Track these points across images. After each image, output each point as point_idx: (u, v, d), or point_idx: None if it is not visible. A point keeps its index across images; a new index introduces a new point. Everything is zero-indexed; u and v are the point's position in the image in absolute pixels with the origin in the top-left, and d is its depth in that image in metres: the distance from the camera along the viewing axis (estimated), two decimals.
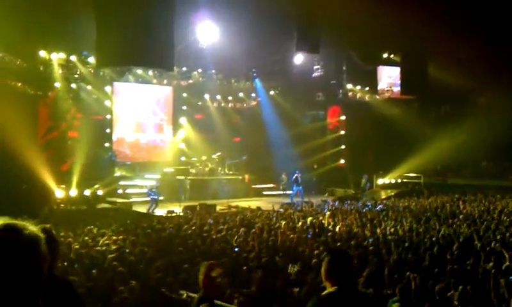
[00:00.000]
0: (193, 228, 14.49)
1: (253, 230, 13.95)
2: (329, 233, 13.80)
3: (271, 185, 29.22)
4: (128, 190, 24.90)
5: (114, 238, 12.79)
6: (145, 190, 22.98)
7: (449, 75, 29.87)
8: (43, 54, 23.36)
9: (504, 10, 25.07)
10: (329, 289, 3.52)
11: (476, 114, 32.14)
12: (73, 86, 25.24)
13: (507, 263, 9.98)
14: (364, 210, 20.14)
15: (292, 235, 13.01)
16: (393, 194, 27.81)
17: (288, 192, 27.20)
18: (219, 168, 28.48)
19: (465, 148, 30.06)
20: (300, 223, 15.85)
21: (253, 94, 31.98)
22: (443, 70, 29.14)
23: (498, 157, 31.51)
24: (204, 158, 28.06)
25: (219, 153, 28.64)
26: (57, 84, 24.32)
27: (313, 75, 30.77)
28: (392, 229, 14.66)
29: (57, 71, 24.18)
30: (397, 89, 32.76)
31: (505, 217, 17.20)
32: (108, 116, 26.73)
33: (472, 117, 31.05)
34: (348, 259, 3.78)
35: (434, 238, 13.10)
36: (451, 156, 30.25)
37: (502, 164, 31.17)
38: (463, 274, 9.34)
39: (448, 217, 17.43)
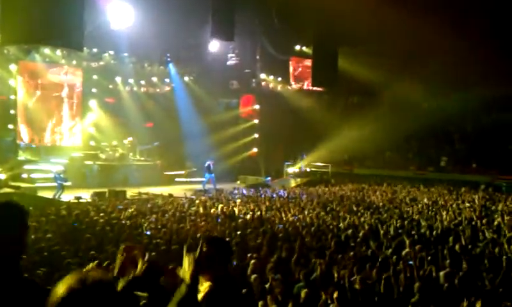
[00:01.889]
0: (101, 214, 14.16)
1: (165, 217, 13.89)
2: (240, 220, 14.00)
3: (183, 172, 29.07)
4: (33, 175, 23.79)
5: None
6: (51, 175, 22.08)
7: (358, 68, 31.06)
8: None
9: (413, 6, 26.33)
10: (206, 285, 3.29)
11: (382, 107, 33.61)
12: None
13: (407, 249, 10.60)
14: (274, 197, 20.56)
15: (202, 222, 13.08)
16: (302, 182, 28.53)
17: (193, 179, 27.24)
18: (131, 154, 27.95)
19: (371, 139, 31.41)
20: (212, 210, 15.94)
21: (167, 80, 31.55)
22: (353, 63, 30.26)
23: (402, 148, 33.19)
24: (115, 143, 27.40)
25: (130, 139, 28.09)
26: None
27: (228, 63, 30.79)
28: (301, 216, 15.10)
29: None
30: (308, 80, 33.58)
31: (405, 206, 18.23)
32: (12, 97, 25.29)
33: (378, 109, 32.44)
34: (226, 248, 3.59)
35: (339, 226, 13.66)
36: (358, 146, 31.50)
37: (405, 155, 32.85)
38: (366, 260, 9.81)
39: (353, 205, 18.18)
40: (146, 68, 30.07)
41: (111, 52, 27.39)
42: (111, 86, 29.65)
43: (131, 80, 29.98)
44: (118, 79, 29.41)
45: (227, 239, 11.02)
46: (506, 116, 32.26)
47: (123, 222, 12.86)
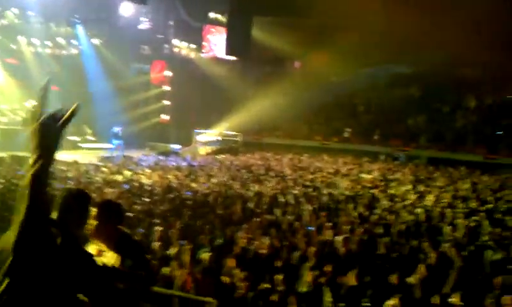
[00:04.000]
0: (1, 180, 13.62)
1: (69, 184, 13.58)
2: (148, 187, 13.98)
3: (91, 138, 28.21)
4: None
5: None
6: None
7: (272, 39, 31.45)
8: None
9: None
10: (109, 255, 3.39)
11: (293, 78, 34.32)
12: None
13: (309, 215, 11.13)
14: (183, 165, 20.61)
15: (109, 189, 12.93)
16: (212, 150, 28.69)
17: (100, 145, 26.58)
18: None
19: (281, 109, 32.03)
20: (119, 177, 15.76)
21: (75, 42, 30.25)
22: (266, 34, 30.58)
23: (310, 118, 34.11)
24: (16, 106, 26.11)
25: (34, 102, 26.86)
26: None
27: (140, 27, 30.03)
28: (209, 184, 15.31)
29: None
30: (222, 48, 33.59)
31: (309, 175, 18.94)
32: None
33: (289, 80, 33.09)
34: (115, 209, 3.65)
35: (247, 193, 14.01)
36: (268, 116, 31.96)
37: (312, 126, 33.80)
38: (271, 226, 10.20)
39: (261, 174, 18.62)
40: (52, 29, 28.59)
41: (15, 10, 25.81)
42: (13, 46, 28.02)
43: (36, 41, 28.46)
44: (22, 39, 27.83)
45: (130, 206, 11.04)
46: (407, 92, 34.12)
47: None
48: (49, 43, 28.97)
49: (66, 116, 2.20)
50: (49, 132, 2.17)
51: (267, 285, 7.10)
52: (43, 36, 28.38)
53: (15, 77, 27.26)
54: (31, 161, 2.13)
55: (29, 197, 2.13)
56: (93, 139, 27.70)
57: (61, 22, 28.33)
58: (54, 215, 2.71)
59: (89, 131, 27.47)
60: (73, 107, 2.26)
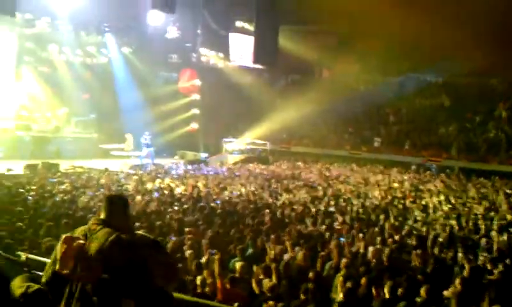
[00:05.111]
0: (34, 187, 13.78)
1: (100, 192, 13.69)
2: (178, 196, 14.00)
3: (121, 146, 28.41)
4: None
5: None
6: None
7: (299, 48, 31.39)
8: None
9: None
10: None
11: (320, 87, 34.14)
12: None
13: (340, 226, 10.99)
14: (212, 174, 20.64)
15: (139, 197, 12.98)
16: (240, 159, 28.66)
17: (134, 153, 26.71)
18: (65, 126, 27.12)
19: (309, 118, 31.90)
20: (149, 185, 15.83)
21: (105, 50, 30.61)
22: (293, 42, 30.55)
23: (338, 127, 33.87)
24: (49, 114, 26.49)
25: (65, 110, 27.22)
26: None
27: (168, 36, 30.27)
28: (238, 193, 15.27)
29: None
30: (249, 57, 33.60)
31: (339, 184, 18.75)
32: None
33: (316, 89, 32.94)
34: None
35: (276, 203, 13.93)
36: (296, 125, 31.87)
37: (340, 135, 33.54)
38: (301, 237, 10.09)
39: (290, 183, 18.50)
40: (82, 37, 28.96)
41: (46, 19, 26.24)
42: (45, 54, 28.44)
43: (67, 49, 28.86)
44: (53, 48, 28.24)
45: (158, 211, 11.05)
46: (437, 101, 33.68)
47: (57, 197, 12.56)
48: (80, 52, 29.31)
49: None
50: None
51: (302, 296, 6.95)
52: (74, 45, 28.74)
53: (46, 85, 27.66)
54: None
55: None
56: (123, 147, 27.79)
57: (91, 31, 28.68)
58: (103, 215, 3.10)
59: (131, 139, 27.43)
60: None
